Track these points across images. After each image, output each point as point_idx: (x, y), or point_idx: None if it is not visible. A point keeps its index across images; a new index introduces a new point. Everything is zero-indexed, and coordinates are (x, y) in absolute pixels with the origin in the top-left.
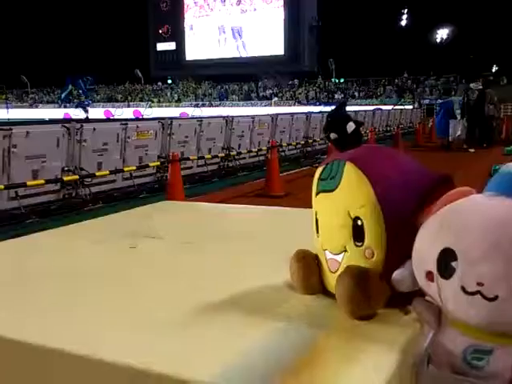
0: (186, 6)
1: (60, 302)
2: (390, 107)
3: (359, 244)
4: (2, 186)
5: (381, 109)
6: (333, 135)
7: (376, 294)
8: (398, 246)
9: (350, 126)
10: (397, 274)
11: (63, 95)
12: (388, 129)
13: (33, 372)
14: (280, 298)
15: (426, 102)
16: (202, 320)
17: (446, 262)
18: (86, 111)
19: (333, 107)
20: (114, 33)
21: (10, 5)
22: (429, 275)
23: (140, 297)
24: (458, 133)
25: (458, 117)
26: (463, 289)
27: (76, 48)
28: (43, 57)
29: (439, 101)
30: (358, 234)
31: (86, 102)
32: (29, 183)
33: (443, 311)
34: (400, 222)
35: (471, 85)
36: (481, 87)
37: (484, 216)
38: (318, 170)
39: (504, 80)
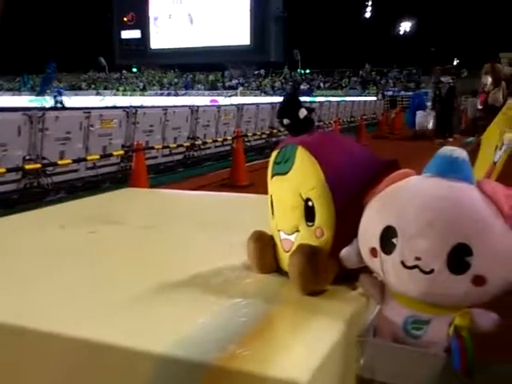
0: None
1: (19, 280)
2: (354, 98)
3: (310, 224)
4: None
5: (345, 101)
6: (286, 121)
7: (325, 270)
8: (346, 226)
9: (302, 112)
10: (344, 252)
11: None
12: (352, 120)
13: None
14: (237, 277)
15: (390, 93)
16: (160, 298)
17: (388, 238)
18: (59, 102)
19: (285, 94)
20: (76, 19)
21: None
22: (373, 251)
23: (97, 278)
24: (430, 124)
25: (428, 109)
26: (403, 263)
27: (37, 33)
28: (2, 43)
29: (403, 93)
30: (309, 214)
31: (56, 91)
32: None
33: (386, 285)
34: (348, 203)
35: (442, 78)
36: (451, 81)
37: (420, 196)
38: (273, 154)
39: (465, 73)
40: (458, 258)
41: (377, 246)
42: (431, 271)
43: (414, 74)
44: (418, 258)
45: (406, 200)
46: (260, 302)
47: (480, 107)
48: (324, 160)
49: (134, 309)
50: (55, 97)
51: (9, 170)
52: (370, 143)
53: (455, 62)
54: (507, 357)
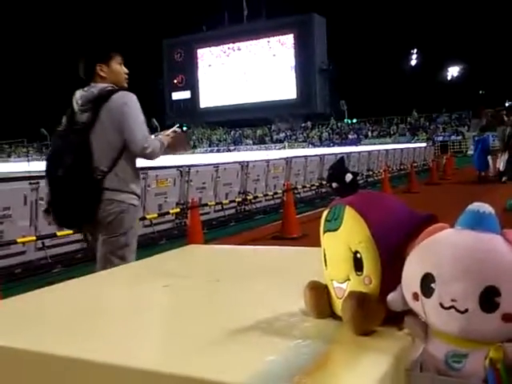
0: (199, 55)
1: (116, 324)
2: (403, 146)
3: (359, 273)
4: (34, 238)
5: (394, 148)
6: (334, 184)
7: (374, 313)
8: (391, 274)
9: (348, 177)
10: (390, 297)
11: None
12: (402, 167)
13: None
14: (296, 321)
15: (440, 138)
16: (232, 340)
17: (427, 284)
18: None
19: (335, 160)
20: (129, 85)
21: (30, 59)
22: (415, 295)
23: (176, 324)
24: (500, 166)
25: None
26: (441, 305)
27: None
28: (62, 109)
29: (453, 137)
30: (358, 265)
31: None
32: (59, 233)
33: (428, 325)
34: (392, 254)
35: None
36: None
37: (454, 246)
38: (324, 213)
39: None
40: (488, 299)
41: (418, 290)
42: (466, 311)
43: (463, 117)
44: (453, 300)
45: (440, 250)
46: (318, 342)
47: None
48: (369, 217)
49: (212, 349)
50: None
51: (75, 232)
52: (423, 190)
53: (507, 104)
54: None
